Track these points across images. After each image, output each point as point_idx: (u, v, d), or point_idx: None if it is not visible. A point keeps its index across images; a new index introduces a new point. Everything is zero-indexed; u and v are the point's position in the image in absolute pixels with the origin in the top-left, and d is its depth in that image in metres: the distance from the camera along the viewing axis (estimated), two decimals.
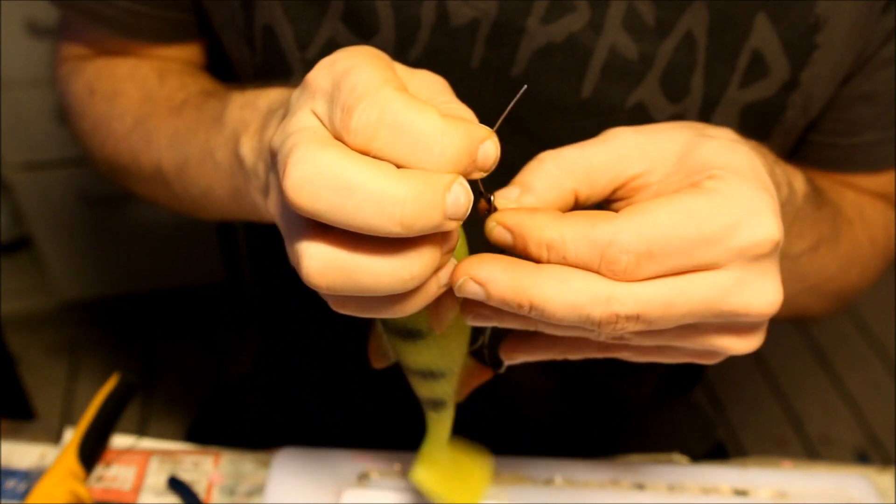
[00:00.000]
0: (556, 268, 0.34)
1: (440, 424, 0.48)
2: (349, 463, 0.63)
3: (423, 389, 0.44)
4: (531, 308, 0.33)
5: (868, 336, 1.95)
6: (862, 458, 1.70)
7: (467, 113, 0.35)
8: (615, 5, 0.50)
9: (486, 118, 0.53)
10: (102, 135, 0.62)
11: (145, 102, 0.58)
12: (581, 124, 0.53)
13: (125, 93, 0.60)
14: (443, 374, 0.43)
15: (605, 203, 0.39)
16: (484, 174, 0.33)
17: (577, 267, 0.34)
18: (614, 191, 0.38)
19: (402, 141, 0.31)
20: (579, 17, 0.50)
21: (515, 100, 0.36)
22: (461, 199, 0.31)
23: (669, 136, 0.38)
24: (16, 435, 0.67)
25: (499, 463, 0.64)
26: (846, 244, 0.58)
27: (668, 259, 0.33)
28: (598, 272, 0.33)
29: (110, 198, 1.61)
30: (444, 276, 0.35)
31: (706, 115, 0.53)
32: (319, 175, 0.30)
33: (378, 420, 0.74)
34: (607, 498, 0.61)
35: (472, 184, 0.33)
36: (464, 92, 0.52)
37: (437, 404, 0.46)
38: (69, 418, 1.68)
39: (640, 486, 0.63)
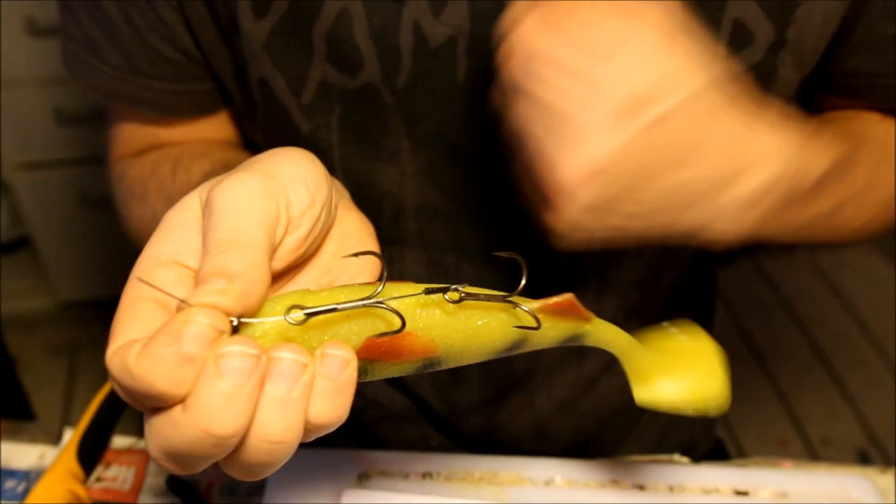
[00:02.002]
0: None
1: (606, 339, 0.42)
2: (349, 463, 0.63)
3: (542, 346, 0.40)
4: None
5: (868, 336, 1.94)
6: (863, 458, 1.70)
7: (213, 249, 0.33)
8: None
9: (480, 129, 0.55)
10: (146, 236, 0.63)
11: (167, 202, 0.60)
12: None
13: (151, 193, 0.61)
14: (520, 342, 0.39)
15: None
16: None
17: None
18: None
19: (140, 400, 0.31)
20: None
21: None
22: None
23: None
24: (15, 435, 0.67)
25: (499, 463, 0.64)
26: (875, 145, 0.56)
27: None
28: None
29: (110, 198, 1.61)
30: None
31: None
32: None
33: (378, 420, 0.74)
34: (607, 498, 0.61)
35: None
36: (456, 107, 0.54)
37: (574, 339, 0.41)
38: (69, 419, 1.68)
39: (641, 487, 0.62)
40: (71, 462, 0.60)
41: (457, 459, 0.64)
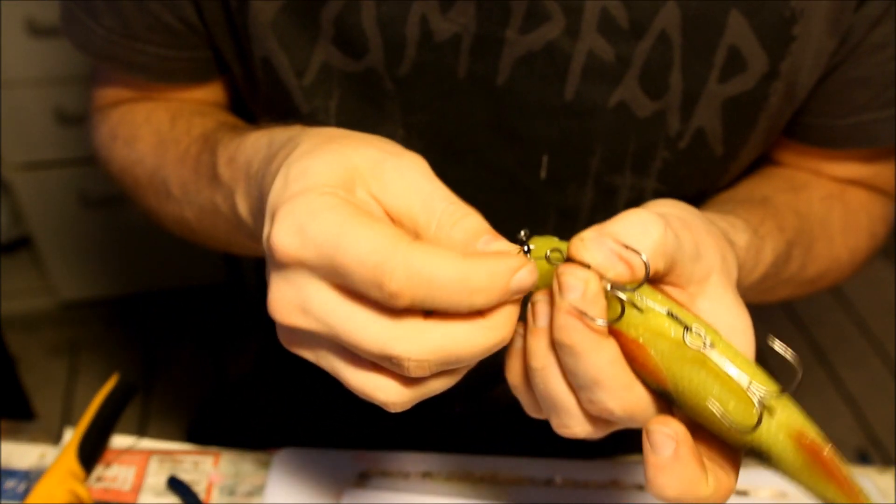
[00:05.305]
0: None
1: None
2: (349, 463, 0.63)
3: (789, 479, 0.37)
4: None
5: (868, 336, 1.95)
6: (862, 458, 1.70)
7: (459, 210, 0.38)
8: (590, 11, 0.51)
9: (476, 125, 0.56)
10: (129, 180, 0.64)
11: (158, 146, 0.60)
12: (567, 125, 0.55)
13: (142, 138, 0.61)
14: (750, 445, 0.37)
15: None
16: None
17: None
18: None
19: (440, 298, 0.33)
20: (555, 25, 0.52)
21: None
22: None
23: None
24: (16, 435, 0.67)
25: (499, 463, 0.64)
26: (820, 249, 0.61)
27: None
28: None
29: (110, 198, 1.61)
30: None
31: (688, 109, 0.54)
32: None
33: (378, 420, 0.74)
34: (607, 498, 0.61)
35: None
36: (454, 102, 0.55)
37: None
38: (69, 418, 1.68)
39: (641, 487, 0.63)
40: (71, 462, 0.60)
41: (457, 459, 0.64)
